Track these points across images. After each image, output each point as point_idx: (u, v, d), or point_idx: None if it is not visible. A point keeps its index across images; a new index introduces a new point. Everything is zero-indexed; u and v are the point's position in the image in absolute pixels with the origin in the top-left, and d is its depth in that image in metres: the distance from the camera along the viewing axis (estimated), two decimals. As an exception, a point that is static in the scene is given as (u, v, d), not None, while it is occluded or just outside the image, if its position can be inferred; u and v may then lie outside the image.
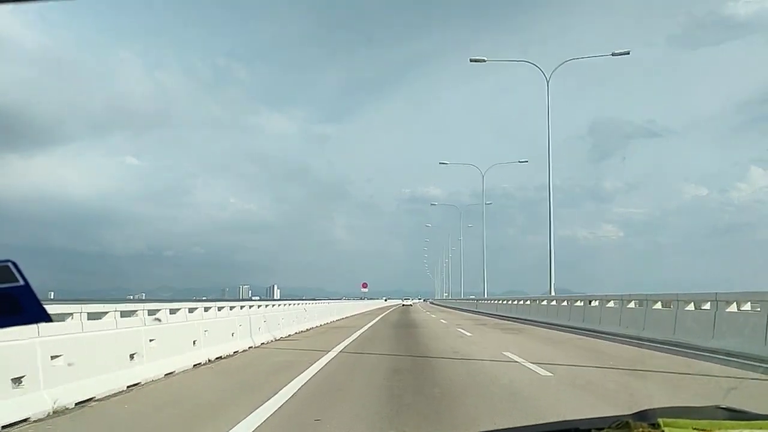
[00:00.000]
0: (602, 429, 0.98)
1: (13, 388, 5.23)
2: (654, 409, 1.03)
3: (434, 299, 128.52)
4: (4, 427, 4.95)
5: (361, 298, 62.27)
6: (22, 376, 5.33)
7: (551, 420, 1.42)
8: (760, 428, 0.93)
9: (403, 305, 71.99)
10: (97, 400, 6.31)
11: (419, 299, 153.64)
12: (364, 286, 52.45)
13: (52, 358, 5.81)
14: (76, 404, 5.99)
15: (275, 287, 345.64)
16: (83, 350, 6.40)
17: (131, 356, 7.36)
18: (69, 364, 6.00)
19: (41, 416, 5.43)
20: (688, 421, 0.94)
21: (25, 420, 5.23)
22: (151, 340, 7.90)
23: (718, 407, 1.09)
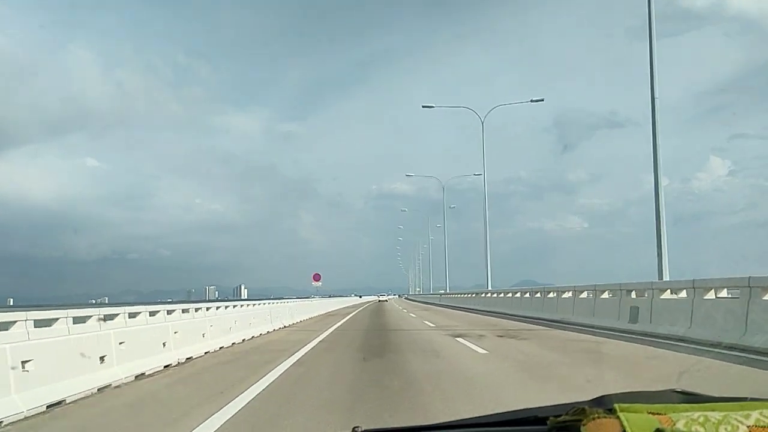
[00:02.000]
0: (560, 416, 1.02)
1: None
2: (610, 395, 1.06)
3: (408, 294, 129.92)
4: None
5: (316, 297, 45.89)
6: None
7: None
8: (713, 410, 0.95)
9: (379, 301, 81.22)
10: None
11: (394, 295, 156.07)
12: (316, 278, 39.52)
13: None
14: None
15: (242, 287, 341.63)
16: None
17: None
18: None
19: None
20: (643, 406, 0.97)
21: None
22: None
23: (673, 391, 1.12)
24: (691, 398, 1.07)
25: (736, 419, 0.91)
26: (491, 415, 1.14)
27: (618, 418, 0.92)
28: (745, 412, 0.92)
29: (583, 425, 0.94)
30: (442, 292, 64.07)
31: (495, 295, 31.76)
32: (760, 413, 0.92)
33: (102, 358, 7.38)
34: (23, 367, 5.81)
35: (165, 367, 9.11)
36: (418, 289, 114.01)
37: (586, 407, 0.98)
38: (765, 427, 0.90)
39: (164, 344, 9.42)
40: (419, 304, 57.82)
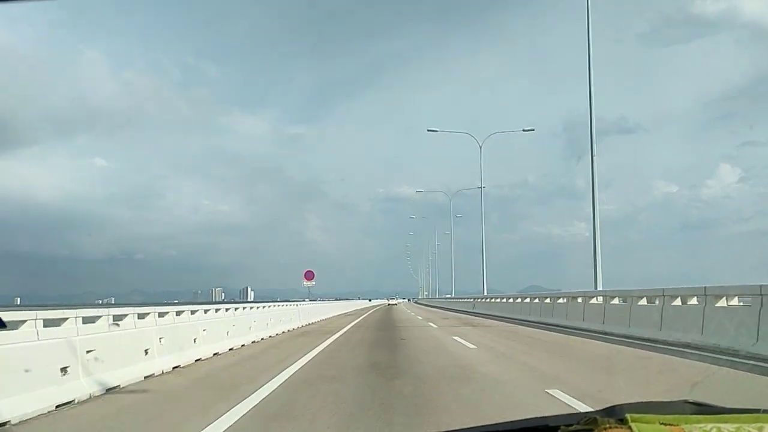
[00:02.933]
0: (571, 425, 1.00)
1: None
2: (622, 404, 1.05)
3: (418, 299, 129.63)
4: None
5: (308, 300, 35.60)
6: None
7: None
8: (726, 421, 0.94)
9: (389, 305, 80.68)
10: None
11: (404, 299, 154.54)
12: (309, 277, 32.34)
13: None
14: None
15: (249, 289, 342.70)
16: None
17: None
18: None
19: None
20: (655, 416, 0.95)
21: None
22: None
23: (685, 401, 1.10)
24: (704, 409, 1.06)
25: (749, 431, 0.88)
26: (501, 423, 1.12)
27: (630, 428, 0.91)
28: (759, 425, 0.91)
29: None
30: (448, 296, 66.21)
31: (493, 300, 35.62)
32: None
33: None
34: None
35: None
36: (426, 293, 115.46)
37: (598, 417, 0.97)
38: None
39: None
40: (427, 308, 60.46)
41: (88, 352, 6.91)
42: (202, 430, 5.11)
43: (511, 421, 1.12)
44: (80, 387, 6.57)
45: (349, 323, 24.58)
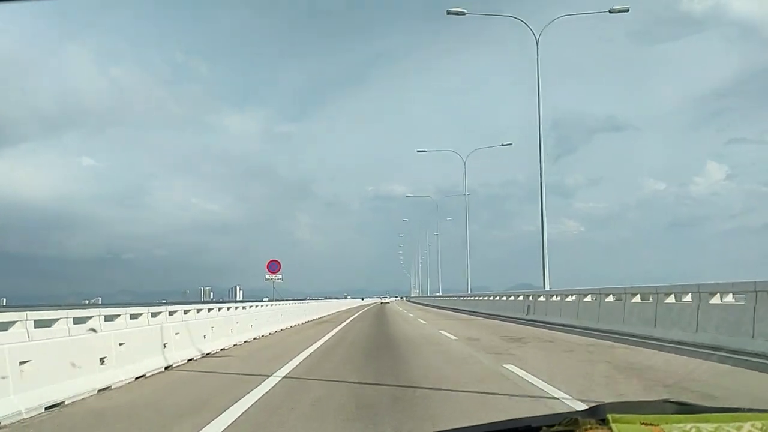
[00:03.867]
0: (552, 426, 1.01)
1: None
2: (603, 404, 1.06)
3: (410, 297, 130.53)
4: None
5: (266, 300, 28.72)
6: None
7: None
8: (707, 421, 0.95)
9: (381, 303, 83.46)
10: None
11: (396, 297, 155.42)
12: (273, 269, 26.14)
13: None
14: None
15: (238, 288, 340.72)
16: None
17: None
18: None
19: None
20: (636, 416, 0.96)
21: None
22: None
23: (666, 401, 1.11)
24: (684, 408, 1.07)
25: (728, 431, 0.90)
26: (482, 425, 1.14)
27: (610, 429, 0.92)
28: (737, 424, 0.92)
29: None
30: (438, 294, 70.95)
31: (479, 298, 38.06)
32: (752, 425, 0.92)
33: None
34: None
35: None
36: (416, 291, 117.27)
37: (579, 417, 0.98)
38: None
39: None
40: (421, 306, 62.85)
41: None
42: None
43: (493, 423, 1.14)
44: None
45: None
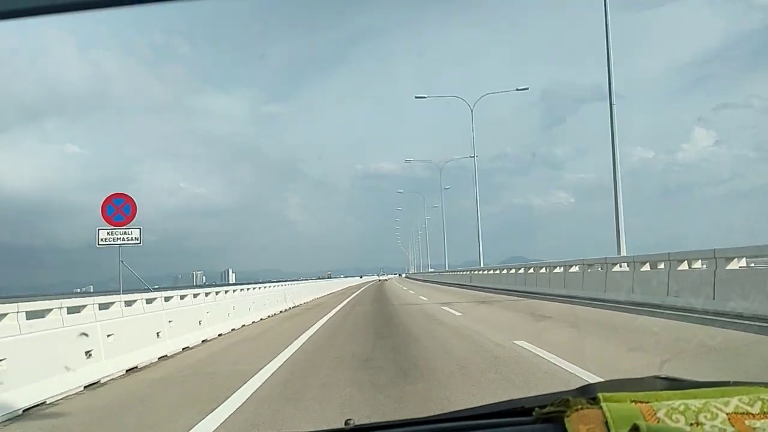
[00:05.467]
0: (544, 407, 1.02)
1: None
2: (594, 384, 1.06)
3: (408, 273, 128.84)
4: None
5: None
6: None
7: None
8: (695, 397, 0.96)
9: (380, 281, 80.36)
10: None
11: (395, 274, 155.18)
12: (115, 216, 13.07)
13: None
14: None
15: (230, 271, 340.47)
16: None
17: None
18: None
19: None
20: (626, 394, 0.98)
21: None
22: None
23: (657, 377, 1.12)
24: (674, 384, 1.07)
25: (715, 407, 0.92)
26: (477, 407, 1.12)
27: (601, 408, 0.94)
28: (725, 399, 0.94)
29: (567, 416, 0.96)
30: (432, 270, 66.30)
31: (489, 272, 34.37)
32: (739, 399, 0.94)
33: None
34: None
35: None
36: (413, 268, 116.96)
37: (570, 398, 0.99)
38: (744, 413, 0.91)
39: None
40: (421, 282, 58.31)
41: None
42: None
43: (487, 405, 1.13)
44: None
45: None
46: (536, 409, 1.03)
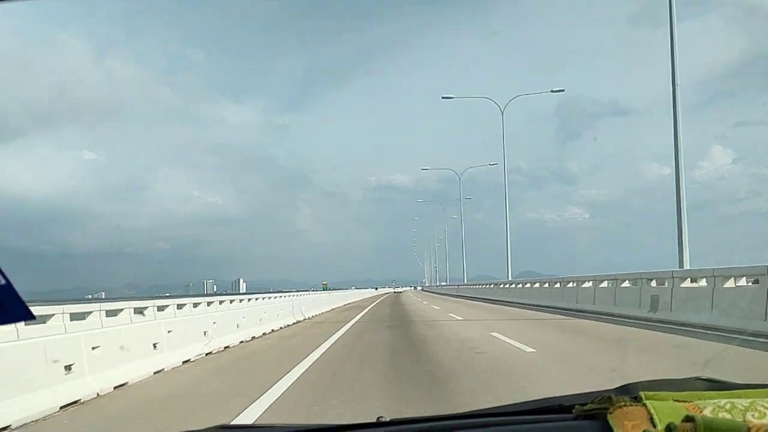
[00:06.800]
0: (585, 404, 1.01)
1: None
2: (636, 383, 1.05)
3: (425, 286, 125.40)
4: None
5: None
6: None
7: None
8: (739, 397, 0.94)
9: (395, 293, 79.14)
10: None
11: (410, 287, 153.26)
12: None
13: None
14: None
15: (241, 280, 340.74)
16: None
17: None
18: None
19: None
20: (668, 393, 0.97)
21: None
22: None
23: (698, 378, 1.11)
24: (717, 385, 1.07)
25: (763, 405, 0.91)
26: (516, 404, 1.13)
27: (645, 406, 0.93)
28: None
29: (610, 413, 0.95)
30: (443, 283, 65.24)
31: (513, 286, 32.03)
32: None
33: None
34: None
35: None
36: (423, 280, 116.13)
37: (612, 395, 0.98)
38: None
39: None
40: (439, 296, 51.25)
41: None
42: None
43: (526, 402, 1.13)
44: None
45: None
46: (576, 406, 1.02)
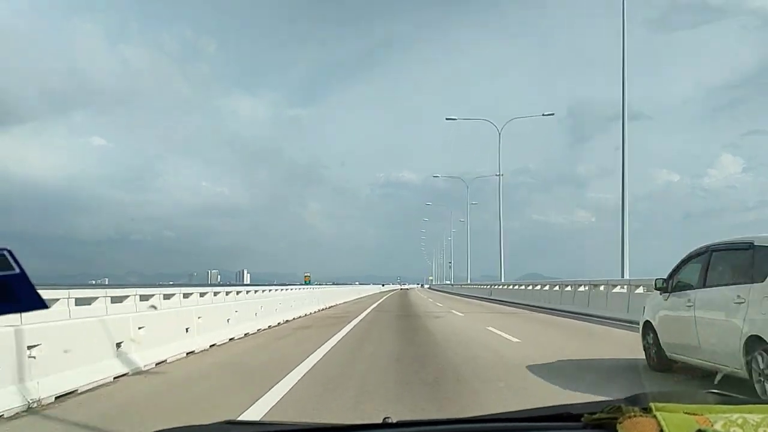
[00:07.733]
0: (594, 413, 1.01)
1: None
2: (646, 393, 1.04)
3: (432, 284, 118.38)
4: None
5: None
6: None
7: None
8: (750, 412, 0.94)
9: (402, 289, 78.00)
10: None
11: (417, 285, 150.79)
12: None
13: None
14: None
15: (245, 272, 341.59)
16: None
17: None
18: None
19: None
20: (679, 405, 0.96)
21: None
22: None
23: (709, 392, 1.11)
24: (727, 399, 1.05)
25: None
26: (523, 410, 1.12)
27: (654, 417, 0.92)
28: None
29: (619, 423, 0.94)
30: (447, 282, 65.90)
31: (503, 287, 35.24)
32: None
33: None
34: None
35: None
36: (431, 278, 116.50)
37: (622, 405, 0.98)
38: None
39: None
40: (449, 295, 50.44)
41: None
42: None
43: (534, 409, 1.12)
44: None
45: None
46: (585, 415, 1.02)
